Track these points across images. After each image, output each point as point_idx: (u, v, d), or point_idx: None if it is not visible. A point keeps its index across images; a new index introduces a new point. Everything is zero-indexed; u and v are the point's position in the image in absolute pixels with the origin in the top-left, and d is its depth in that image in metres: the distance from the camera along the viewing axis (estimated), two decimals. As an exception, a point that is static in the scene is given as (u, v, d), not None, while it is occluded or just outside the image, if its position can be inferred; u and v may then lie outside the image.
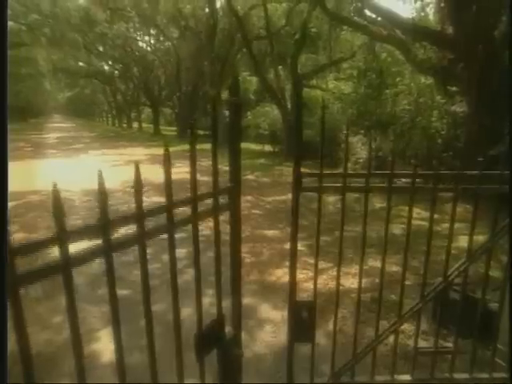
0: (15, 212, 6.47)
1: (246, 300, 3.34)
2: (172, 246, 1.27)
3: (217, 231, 1.50)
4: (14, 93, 35.51)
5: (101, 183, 0.98)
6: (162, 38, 22.18)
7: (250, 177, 10.32)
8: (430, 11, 11.77)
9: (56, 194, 0.88)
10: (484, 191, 1.89)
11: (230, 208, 1.60)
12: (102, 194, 0.99)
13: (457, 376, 2.24)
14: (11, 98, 36.57)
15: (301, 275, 3.93)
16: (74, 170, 10.98)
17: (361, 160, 10.41)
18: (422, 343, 2.56)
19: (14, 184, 8.29)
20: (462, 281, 2.16)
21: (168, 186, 1.21)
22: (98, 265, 4.40)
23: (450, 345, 2.30)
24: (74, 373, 1.03)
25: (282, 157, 13.71)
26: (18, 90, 33.13)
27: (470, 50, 6.60)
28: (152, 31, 21.15)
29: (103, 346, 2.80)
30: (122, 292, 3.70)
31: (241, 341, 1.80)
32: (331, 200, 7.42)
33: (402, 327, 2.98)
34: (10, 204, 7.02)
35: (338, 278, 2.07)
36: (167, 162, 1.16)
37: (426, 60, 7.94)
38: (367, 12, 9.32)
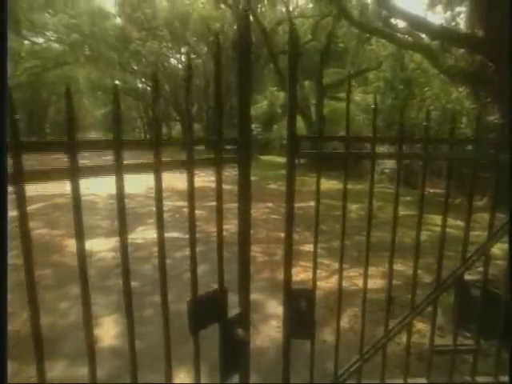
0: (43, 211, 6.82)
1: (255, 296, 3.24)
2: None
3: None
4: (58, 110, 37.88)
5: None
6: (193, 56, 23.00)
7: (273, 186, 10.30)
8: (461, 21, 11.45)
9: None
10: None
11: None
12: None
13: (480, 380, 1.99)
14: (55, 114, 39.15)
15: (312, 274, 3.80)
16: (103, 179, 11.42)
17: (387, 170, 10.11)
18: (438, 343, 2.33)
19: (46, 188, 8.82)
20: (483, 275, 1.95)
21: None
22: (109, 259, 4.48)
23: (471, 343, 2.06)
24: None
25: (306, 168, 13.58)
26: (61, 108, 35.23)
27: (502, 53, 6.31)
28: (183, 49, 22.01)
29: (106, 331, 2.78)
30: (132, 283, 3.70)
31: (248, 322, 1.54)
32: (354, 208, 7.27)
33: (418, 327, 2.77)
34: (39, 204, 7.37)
35: (340, 273, 1.85)
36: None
37: (455, 66, 7.68)
38: (393, 20, 9.21)
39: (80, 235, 1.02)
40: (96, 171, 1.06)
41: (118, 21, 20.06)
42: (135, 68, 26.17)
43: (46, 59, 24.33)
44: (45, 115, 35.64)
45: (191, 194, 1.25)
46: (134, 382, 1.24)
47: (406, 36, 9.10)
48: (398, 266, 3.96)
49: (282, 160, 16.63)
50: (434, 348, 1.99)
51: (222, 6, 15.42)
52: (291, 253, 1.73)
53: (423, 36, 9.00)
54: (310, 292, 1.70)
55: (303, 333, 1.72)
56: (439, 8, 11.87)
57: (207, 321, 1.37)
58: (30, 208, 7.34)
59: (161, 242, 1.21)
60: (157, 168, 1.14)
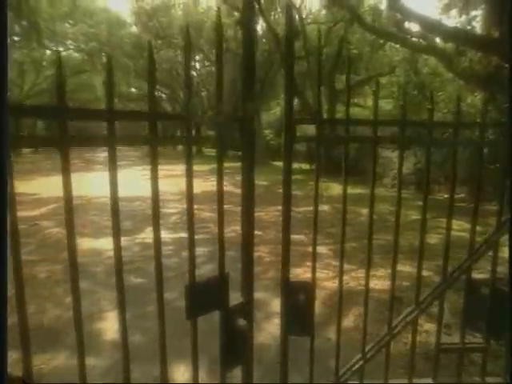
0: (56, 212, 6.94)
1: (259, 295, 3.21)
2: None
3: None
4: (75, 117, 38.66)
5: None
6: (207, 63, 23.33)
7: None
8: (477, 24, 11.27)
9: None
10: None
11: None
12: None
13: (490, 380, 1.91)
14: (73, 122, 39.88)
15: (321, 274, 3.77)
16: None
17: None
18: (445, 341, 2.24)
19: (61, 190, 8.92)
20: (491, 272, 1.88)
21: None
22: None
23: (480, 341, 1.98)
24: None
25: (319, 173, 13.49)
26: (79, 116, 36.06)
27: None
28: (197, 57, 22.35)
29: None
30: (138, 280, 3.71)
31: (251, 312, 1.46)
32: (364, 212, 7.17)
33: (426, 327, 2.68)
34: (54, 206, 7.53)
35: (340, 273, 1.77)
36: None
37: (469, 69, 7.54)
38: (406, 24, 9.13)
39: (71, 231, 1.03)
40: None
41: (134, 29, 20.63)
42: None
43: (65, 67, 25.07)
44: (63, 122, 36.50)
45: (189, 172, 1.24)
46: (127, 374, 1.21)
47: (420, 40, 9.01)
48: (408, 268, 3.88)
49: (293, 166, 16.55)
50: (441, 346, 1.91)
51: (236, 13, 15.63)
52: (289, 243, 1.70)
53: (437, 40, 8.91)
54: (310, 285, 1.58)
55: (302, 329, 1.61)
56: (454, 12, 11.72)
57: (206, 307, 1.32)
58: (46, 208, 7.52)
59: (156, 228, 1.20)
60: (153, 143, 1.13)
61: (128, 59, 19.03)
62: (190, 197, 1.28)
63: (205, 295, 1.32)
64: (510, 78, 1.62)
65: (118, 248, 1.13)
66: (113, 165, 1.06)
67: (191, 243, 1.29)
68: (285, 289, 1.55)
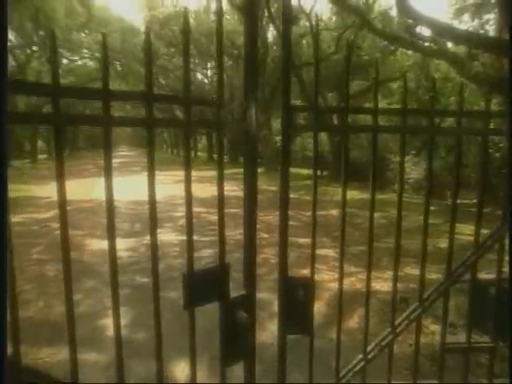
0: (68, 214, 7.07)
1: (263, 295, 3.20)
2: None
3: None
4: (89, 124, 39.43)
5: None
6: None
7: (293, 195, 10.23)
8: (490, 28, 11.16)
9: None
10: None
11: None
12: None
13: (497, 382, 1.84)
14: (87, 129, 41.11)
15: (327, 276, 3.75)
16: (125, 186, 11.82)
17: (411, 180, 9.82)
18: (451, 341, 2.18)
19: (75, 194, 9.19)
20: (497, 272, 1.83)
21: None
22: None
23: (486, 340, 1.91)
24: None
25: (329, 179, 13.45)
26: (93, 123, 36.81)
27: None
28: (209, 64, 22.66)
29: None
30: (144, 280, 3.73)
31: (254, 306, 1.41)
32: (376, 216, 7.11)
33: (432, 329, 2.61)
34: (68, 208, 7.68)
35: (340, 274, 1.70)
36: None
37: (482, 72, 7.44)
38: (417, 29, 9.08)
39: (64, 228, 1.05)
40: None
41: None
42: (163, 82, 27.14)
43: (81, 76, 25.72)
44: (77, 129, 37.37)
45: (188, 161, 1.24)
46: (121, 373, 1.20)
47: (431, 44, 8.94)
48: (416, 271, 3.81)
49: (304, 172, 16.55)
50: (446, 345, 1.86)
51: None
52: (287, 235, 1.66)
53: (449, 44, 8.83)
54: (309, 280, 1.50)
55: (301, 327, 1.53)
56: (466, 17, 11.64)
57: (204, 298, 1.28)
58: (57, 211, 7.65)
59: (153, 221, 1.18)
60: (150, 124, 1.13)
61: (140, 66, 19.38)
62: (188, 185, 1.26)
63: (203, 285, 1.28)
64: (510, 77, 1.58)
65: (112, 249, 1.12)
66: (108, 144, 1.05)
67: (189, 229, 1.25)
68: (283, 285, 1.48)
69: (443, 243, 4.76)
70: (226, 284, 1.32)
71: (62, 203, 1.02)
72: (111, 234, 1.13)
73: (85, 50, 21.37)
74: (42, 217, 6.86)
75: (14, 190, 10.44)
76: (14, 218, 6.93)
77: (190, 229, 1.25)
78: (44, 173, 15.84)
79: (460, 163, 1.71)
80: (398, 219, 1.77)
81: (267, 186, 10.95)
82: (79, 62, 24.03)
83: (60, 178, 0.99)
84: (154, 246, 1.18)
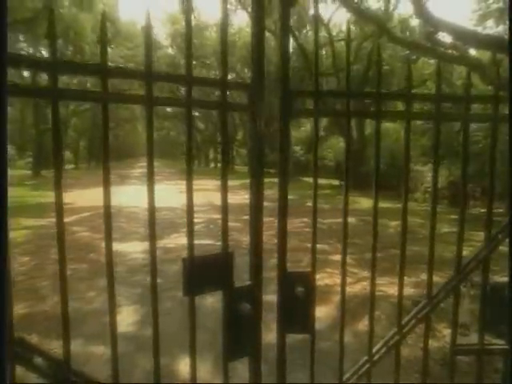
0: (89, 219, 7.40)
1: (270, 297, 3.16)
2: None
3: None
4: (114, 135, 41.08)
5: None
6: (239, 80, 23.94)
7: (311, 204, 10.17)
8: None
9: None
10: None
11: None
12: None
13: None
14: (112, 139, 42.36)
15: (338, 280, 3.69)
16: (145, 193, 12.12)
17: (431, 189, 9.56)
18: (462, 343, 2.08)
19: (95, 201, 9.47)
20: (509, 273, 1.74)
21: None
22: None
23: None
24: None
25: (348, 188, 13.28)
26: (117, 134, 38.04)
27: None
28: (229, 76, 22.85)
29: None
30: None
31: (260, 298, 1.30)
32: (393, 224, 7.04)
33: (445, 333, 2.51)
34: (87, 214, 7.93)
35: (343, 275, 1.68)
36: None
37: (505, 78, 7.23)
38: (438, 36, 8.96)
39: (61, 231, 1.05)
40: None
41: (170, 51, 21.68)
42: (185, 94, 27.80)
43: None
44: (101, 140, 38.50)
45: (189, 141, 1.25)
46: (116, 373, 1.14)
47: (452, 51, 8.79)
48: (435, 278, 3.70)
49: (323, 182, 16.43)
50: (457, 346, 1.77)
51: (266, 32, 16.06)
52: (286, 230, 1.54)
53: (471, 50, 8.65)
54: (309, 275, 1.39)
55: (301, 325, 1.42)
56: (490, 22, 11.40)
57: (206, 285, 1.23)
58: (80, 216, 7.92)
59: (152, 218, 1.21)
60: (149, 103, 1.10)
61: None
62: (189, 180, 1.25)
63: (205, 272, 1.22)
64: (510, 77, 1.52)
65: (109, 251, 1.12)
66: (105, 122, 1.07)
67: (190, 214, 1.22)
68: (281, 280, 1.36)
69: (464, 251, 4.62)
70: (230, 273, 1.25)
71: (58, 186, 1.04)
72: (108, 235, 1.11)
73: (110, 64, 22.23)
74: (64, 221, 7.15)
75: (40, 197, 10.88)
76: (37, 222, 7.24)
77: (190, 211, 1.22)
78: (70, 181, 16.44)
79: (467, 149, 1.63)
80: (403, 225, 1.69)
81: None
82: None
83: (56, 153, 1.00)
84: (152, 252, 1.16)
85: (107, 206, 1.13)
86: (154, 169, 1.22)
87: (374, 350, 1.65)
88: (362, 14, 10.80)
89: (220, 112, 1.25)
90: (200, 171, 30.02)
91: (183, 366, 2.23)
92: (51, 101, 0.97)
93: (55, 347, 2.38)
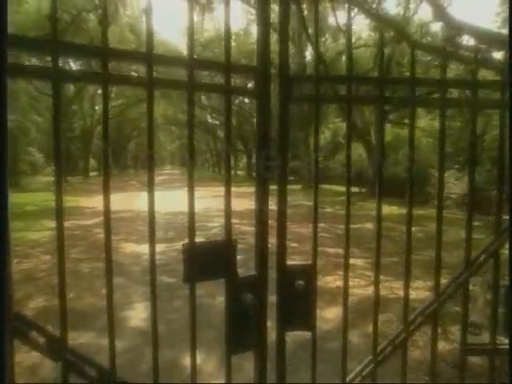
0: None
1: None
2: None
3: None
4: (136, 144, 42.08)
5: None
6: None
7: (329, 210, 10.07)
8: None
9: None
10: None
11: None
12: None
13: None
14: (135, 148, 43.38)
15: (353, 283, 3.66)
16: (165, 199, 12.36)
17: (453, 195, 9.29)
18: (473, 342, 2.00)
19: (118, 205, 9.77)
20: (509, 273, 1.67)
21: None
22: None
23: None
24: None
25: (367, 196, 13.08)
26: (141, 142, 38.95)
27: None
28: (249, 84, 23.16)
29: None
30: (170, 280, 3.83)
31: (265, 289, 1.27)
32: (414, 230, 6.86)
33: (457, 335, 2.42)
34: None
35: (345, 277, 1.55)
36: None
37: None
38: (459, 39, 8.79)
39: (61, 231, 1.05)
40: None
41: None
42: (205, 103, 28.29)
43: (129, 97, 27.55)
44: (124, 148, 39.47)
45: (191, 122, 1.28)
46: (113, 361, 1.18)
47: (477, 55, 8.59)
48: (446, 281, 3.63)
49: (341, 188, 16.25)
50: (467, 346, 1.71)
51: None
52: (285, 227, 1.50)
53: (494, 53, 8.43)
54: (310, 267, 1.34)
55: (301, 322, 1.36)
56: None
57: (207, 272, 1.19)
58: (100, 219, 8.16)
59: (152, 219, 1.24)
60: (150, 85, 1.10)
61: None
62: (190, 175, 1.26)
63: (207, 259, 1.19)
64: (510, 76, 1.49)
65: (108, 251, 1.15)
66: (106, 103, 1.10)
67: (191, 202, 1.20)
68: (280, 275, 1.30)
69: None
70: (233, 263, 1.23)
71: (58, 180, 1.09)
72: (107, 234, 1.15)
73: (134, 73, 23.03)
74: (85, 223, 7.39)
75: (65, 201, 11.26)
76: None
77: (191, 197, 1.20)
78: (93, 187, 16.94)
79: (475, 138, 1.58)
80: (408, 229, 1.66)
81: (304, 201, 10.90)
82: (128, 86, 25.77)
83: (56, 141, 1.04)
84: (152, 255, 1.18)
85: (107, 211, 1.17)
86: (154, 160, 1.24)
87: (378, 349, 1.58)
88: (380, 19, 10.75)
89: (224, 96, 1.26)
90: (219, 179, 30.27)
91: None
92: (52, 82, 0.96)
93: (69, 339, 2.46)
